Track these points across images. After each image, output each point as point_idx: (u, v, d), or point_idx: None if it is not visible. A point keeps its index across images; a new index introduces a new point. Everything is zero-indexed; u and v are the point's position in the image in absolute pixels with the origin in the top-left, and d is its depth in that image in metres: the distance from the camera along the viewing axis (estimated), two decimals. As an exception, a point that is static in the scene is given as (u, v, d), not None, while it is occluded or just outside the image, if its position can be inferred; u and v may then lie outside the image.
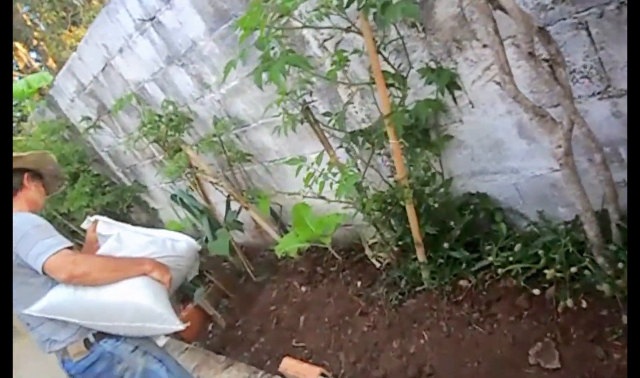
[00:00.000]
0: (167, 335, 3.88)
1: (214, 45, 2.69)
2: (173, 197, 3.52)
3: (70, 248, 1.85)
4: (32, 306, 1.86)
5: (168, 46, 2.99)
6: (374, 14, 1.69)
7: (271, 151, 3.07)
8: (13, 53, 10.47)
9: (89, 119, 4.64)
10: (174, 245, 2.14)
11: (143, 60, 3.30)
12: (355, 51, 1.96)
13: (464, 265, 2.27)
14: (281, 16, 1.73)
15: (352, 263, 3.02)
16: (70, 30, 10.67)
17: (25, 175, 2.04)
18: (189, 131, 3.38)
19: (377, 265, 2.86)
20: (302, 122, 1.99)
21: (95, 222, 2.09)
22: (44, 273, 1.80)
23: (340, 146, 2.52)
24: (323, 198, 2.35)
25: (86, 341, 1.92)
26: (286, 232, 3.54)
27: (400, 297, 2.46)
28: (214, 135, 3.12)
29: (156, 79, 3.35)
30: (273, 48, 1.71)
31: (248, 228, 3.80)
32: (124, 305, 1.88)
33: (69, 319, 1.89)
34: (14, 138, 5.42)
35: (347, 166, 2.21)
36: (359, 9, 1.67)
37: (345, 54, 1.93)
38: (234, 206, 3.54)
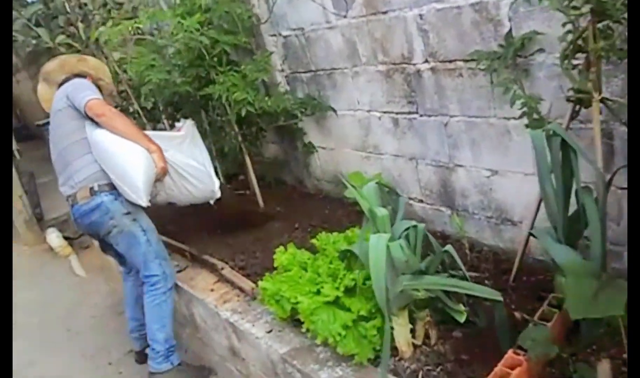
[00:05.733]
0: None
1: None
2: (552, 135, 1.71)
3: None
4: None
5: None
6: None
7: None
8: None
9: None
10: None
11: None
12: None
13: None
14: None
15: None
16: None
17: (87, 78, 2.82)
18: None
19: None
20: None
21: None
22: (85, 112, 2.50)
23: None
24: None
25: (91, 189, 2.48)
26: None
27: None
28: None
29: None
30: None
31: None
32: (122, 165, 2.48)
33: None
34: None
35: None
36: None
37: None
38: None
